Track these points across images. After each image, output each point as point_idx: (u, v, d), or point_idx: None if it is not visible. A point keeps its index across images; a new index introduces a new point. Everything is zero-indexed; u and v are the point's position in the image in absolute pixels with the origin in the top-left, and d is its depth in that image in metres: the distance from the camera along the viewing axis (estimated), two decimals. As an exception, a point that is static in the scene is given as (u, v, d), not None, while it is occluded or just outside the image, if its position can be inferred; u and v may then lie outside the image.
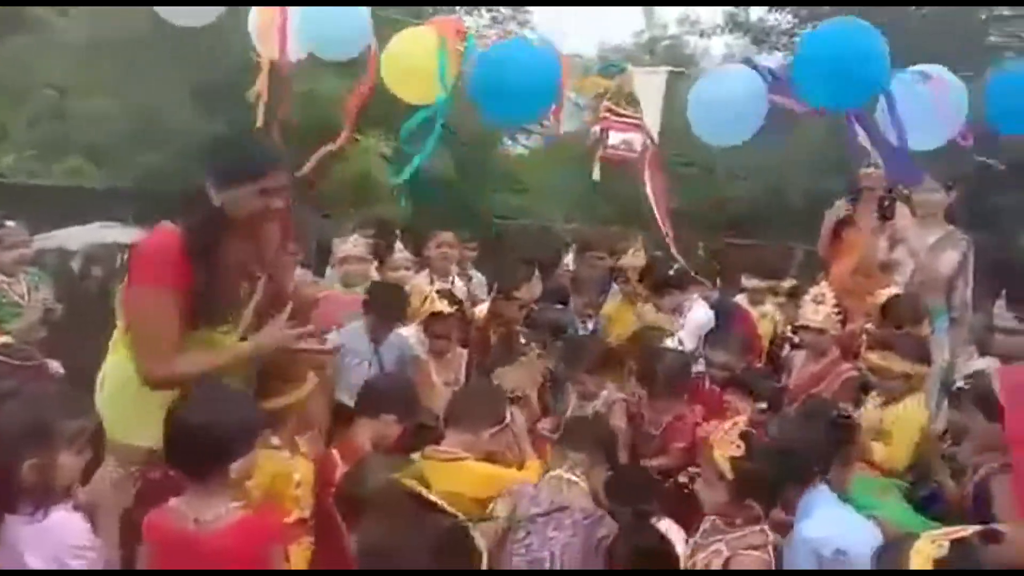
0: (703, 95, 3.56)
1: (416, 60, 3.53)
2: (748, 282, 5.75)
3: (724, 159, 9.65)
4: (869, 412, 3.71)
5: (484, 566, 2.04)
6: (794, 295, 5.16)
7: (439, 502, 2.05)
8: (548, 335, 4.27)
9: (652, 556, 2.57)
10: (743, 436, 2.52)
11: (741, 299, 5.55)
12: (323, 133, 3.82)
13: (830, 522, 2.66)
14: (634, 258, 5.01)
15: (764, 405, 3.70)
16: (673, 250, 3.95)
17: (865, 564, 2.15)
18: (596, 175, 3.82)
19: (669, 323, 4.69)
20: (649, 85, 3.72)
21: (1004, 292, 4.91)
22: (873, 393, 3.80)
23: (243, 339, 2.72)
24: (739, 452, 2.50)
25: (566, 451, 2.91)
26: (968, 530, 1.99)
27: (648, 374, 3.88)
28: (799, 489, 2.77)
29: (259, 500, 2.55)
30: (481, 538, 2.06)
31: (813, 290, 4.45)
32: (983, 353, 4.50)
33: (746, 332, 4.74)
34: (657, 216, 3.70)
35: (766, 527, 2.56)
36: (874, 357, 3.75)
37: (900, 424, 3.60)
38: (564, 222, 9.35)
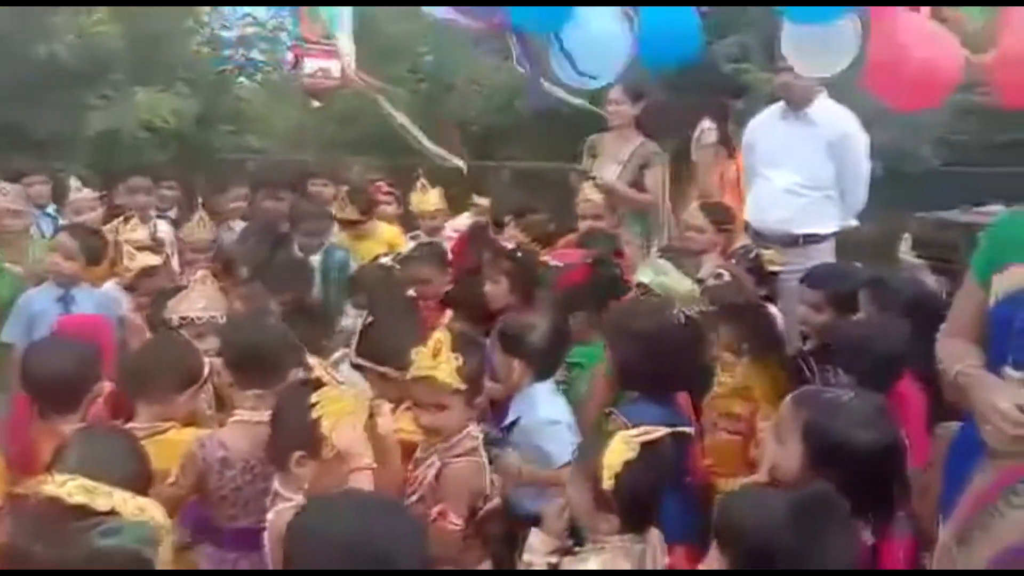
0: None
1: None
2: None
3: (462, 75, 9.60)
4: None
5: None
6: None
7: (90, 504, 1.63)
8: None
9: None
10: None
11: (465, 217, 5.59)
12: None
13: (543, 404, 2.88)
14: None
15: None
16: None
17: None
18: (315, 103, 3.80)
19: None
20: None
21: (696, 195, 5.29)
22: None
23: None
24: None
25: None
26: (660, 431, 2.03)
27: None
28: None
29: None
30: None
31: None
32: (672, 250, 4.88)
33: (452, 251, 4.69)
34: None
35: (475, 430, 2.57)
36: None
37: None
38: (294, 154, 9.07)
